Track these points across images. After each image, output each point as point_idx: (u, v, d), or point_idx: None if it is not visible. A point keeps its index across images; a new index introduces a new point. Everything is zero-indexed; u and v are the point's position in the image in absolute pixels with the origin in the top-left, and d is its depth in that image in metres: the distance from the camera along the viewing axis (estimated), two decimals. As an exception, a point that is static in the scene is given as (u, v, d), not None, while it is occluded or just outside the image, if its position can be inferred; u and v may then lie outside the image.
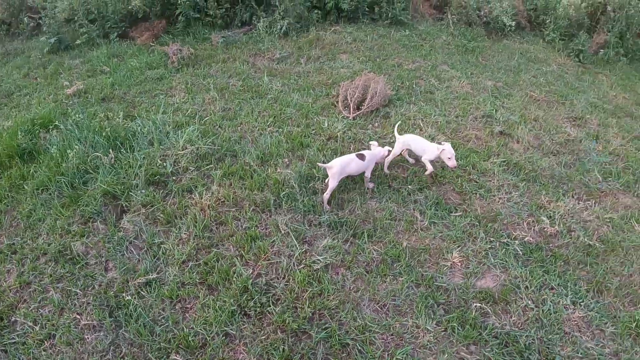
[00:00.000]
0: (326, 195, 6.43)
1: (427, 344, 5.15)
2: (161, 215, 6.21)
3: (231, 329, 5.04)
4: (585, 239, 6.67)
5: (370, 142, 7.08)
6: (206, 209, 6.29)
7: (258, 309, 5.23)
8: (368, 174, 6.76)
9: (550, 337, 5.45)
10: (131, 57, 10.90)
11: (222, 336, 4.98)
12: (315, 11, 13.10)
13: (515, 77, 11.62)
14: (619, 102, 11.65)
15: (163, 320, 5.14)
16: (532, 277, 6.02)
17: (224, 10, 12.53)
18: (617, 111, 11.06)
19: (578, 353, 5.35)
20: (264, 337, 5.02)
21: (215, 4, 12.37)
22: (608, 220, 7.19)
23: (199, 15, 12.47)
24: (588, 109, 10.68)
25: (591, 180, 8.01)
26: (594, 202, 7.53)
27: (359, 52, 11.76)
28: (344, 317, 5.27)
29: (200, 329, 5.03)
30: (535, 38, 14.68)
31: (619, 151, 9.10)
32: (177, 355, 4.83)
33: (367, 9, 13.64)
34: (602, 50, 14.17)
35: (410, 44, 12.56)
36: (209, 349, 4.88)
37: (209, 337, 4.97)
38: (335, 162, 6.39)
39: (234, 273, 5.57)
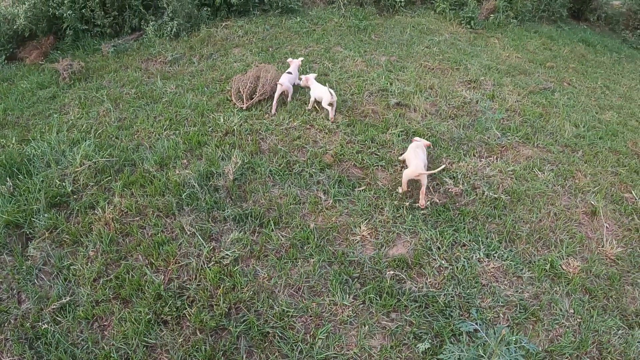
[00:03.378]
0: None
1: (347, 319, 5.16)
2: (66, 236, 5.96)
3: (150, 339, 4.89)
4: (491, 193, 6.83)
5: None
6: (110, 222, 6.08)
7: (174, 314, 5.08)
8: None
9: (468, 291, 5.55)
10: (21, 79, 10.41)
11: (143, 347, 4.81)
12: (205, 9, 12.86)
13: (408, 50, 11.77)
14: (512, 62, 12.00)
15: (82, 343, 4.91)
16: (442, 237, 6.11)
17: (111, 18, 12.07)
18: (510, 70, 11.39)
19: (499, 302, 5.49)
20: (183, 340, 4.89)
21: (102, 13, 11.87)
22: (511, 172, 7.38)
23: (87, 27, 11.97)
24: (482, 71, 10.95)
25: (490, 137, 8.20)
26: (495, 157, 7.71)
27: (251, 44, 11.65)
28: (261, 307, 5.20)
29: (121, 345, 4.84)
30: (427, 11, 14.96)
31: (515, 107, 9.38)
32: (101, 376, 4.67)
33: (256, 0, 13.57)
34: (492, 15, 14.55)
35: (303, 30, 12.54)
36: None
37: (130, 351, 4.78)
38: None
39: (146, 282, 5.39)
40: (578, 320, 5.55)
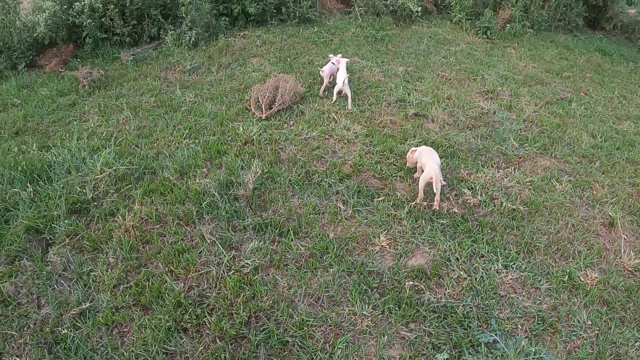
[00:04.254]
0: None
1: (366, 329, 5.17)
2: (86, 242, 6.02)
3: (170, 346, 4.92)
4: (509, 204, 6.84)
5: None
6: (130, 229, 6.14)
7: (194, 321, 5.12)
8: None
9: (486, 302, 5.56)
10: (41, 86, 10.55)
11: (163, 354, 4.85)
12: (223, 18, 13.00)
13: (425, 60, 11.81)
14: (528, 72, 12.00)
15: (102, 349, 4.96)
16: (461, 248, 6.12)
17: (130, 27, 12.25)
18: (527, 80, 11.40)
19: (517, 313, 5.49)
20: (203, 348, 4.92)
21: (122, 22, 12.06)
22: (529, 183, 7.39)
23: (106, 35, 12.15)
24: (499, 81, 10.97)
25: (508, 148, 8.21)
26: (513, 168, 7.73)
27: (269, 54, 11.73)
28: (280, 316, 5.23)
29: (140, 351, 4.88)
30: (443, 21, 15.03)
31: (532, 117, 9.38)
32: (120, 381, 4.72)
33: (274, 10, 13.65)
34: (508, 25, 14.60)
35: (320, 40, 12.64)
36: None
37: (149, 357, 4.82)
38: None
39: (166, 289, 5.44)
40: (596, 331, 5.53)
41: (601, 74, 13.10)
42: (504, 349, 4.63)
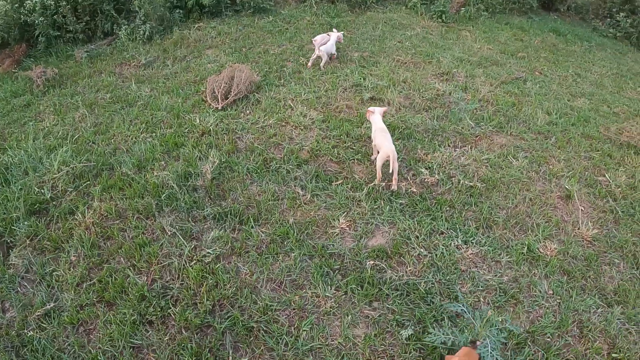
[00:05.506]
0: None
1: (330, 310, 5.23)
2: (47, 243, 5.96)
3: (136, 339, 4.91)
4: (466, 182, 6.94)
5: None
6: (91, 226, 6.09)
7: (159, 314, 5.12)
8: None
9: (448, 277, 5.65)
10: (-5, 89, 10.44)
11: (129, 349, 4.84)
12: (177, 11, 12.88)
13: (381, 45, 11.87)
14: (483, 54, 12.15)
15: (69, 348, 4.92)
16: (420, 226, 6.21)
17: (84, 23, 12.06)
18: (482, 62, 11.54)
19: (479, 287, 5.60)
20: (169, 339, 4.93)
21: (74, 18, 11.85)
22: (486, 160, 7.50)
23: (59, 33, 11.93)
24: (454, 63, 11.08)
25: (464, 127, 8.32)
26: (470, 147, 7.83)
27: (224, 45, 11.69)
28: (244, 303, 5.26)
29: (107, 347, 4.86)
30: (398, 6, 15.09)
31: (488, 97, 9.51)
32: (90, 380, 4.69)
33: (228, 1, 13.60)
34: (463, 9, 14.75)
35: (275, 30, 12.61)
36: None
37: (117, 353, 4.81)
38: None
39: (129, 284, 5.41)
40: (557, 300, 5.65)
41: (556, 53, 13.31)
42: (470, 319, 4.70)
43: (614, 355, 5.26)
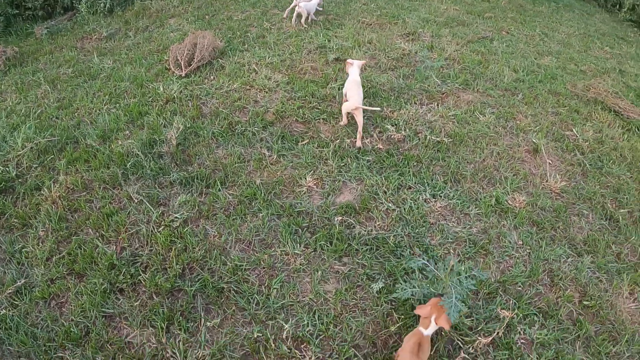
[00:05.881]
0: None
1: (300, 267, 5.25)
2: (15, 220, 5.85)
3: (108, 308, 4.87)
4: (433, 137, 6.95)
5: None
6: (58, 200, 5.99)
7: (129, 281, 5.07)
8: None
9: (417, 230, 5.69)
10: (-46, 73, 10.20)
11: (102, 318, 4.79)
12: (138, -18, 12.64)
13: (346, 8, 11.81)
14: (450, 14, 12.14)
15: (42, 322, 4.85)
16: (388, 182, 6.22)
17: (42, 0, 11.86)
18: (449, 22, 11.53)
19: (448, 239, 5.65)
20: (141, 305, 4.90)
21: (33, -5, 11.66)
22: (452, 117, 7.51)
23: (18, 11, 11.64)
24: (420, 24, 11.06)
25: (430, 85, 8.32)
26: (436, 104, 7.85)
27: (187, 13, 11.53)
28: (214, 265, 5.24)
29: (80, 318, 4.80)
30: (363, -32, 15.01)
31: (454, 56, 9.51)
32: (64, 352, 4.58)
33: (191, -30, 13.35)
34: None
35: (239, -4, 12.49)
36: (93, 335, 4.68)
37: (89, 323, 4.76)
38: None
39: (98, 254, 5.35)
40: (527, 250, 5.71)
41: (523, 14, 13.35)
42: (434, 271, 4.71)
43: (585, 302, 5.35)
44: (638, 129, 8.09)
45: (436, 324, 4.27)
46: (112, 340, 4.64)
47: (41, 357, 4.59)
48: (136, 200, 5.95)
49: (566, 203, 6.42)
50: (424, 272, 5.15)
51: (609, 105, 8.58)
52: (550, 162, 7.05)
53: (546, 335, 4.96)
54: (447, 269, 4.59)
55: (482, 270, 5.29)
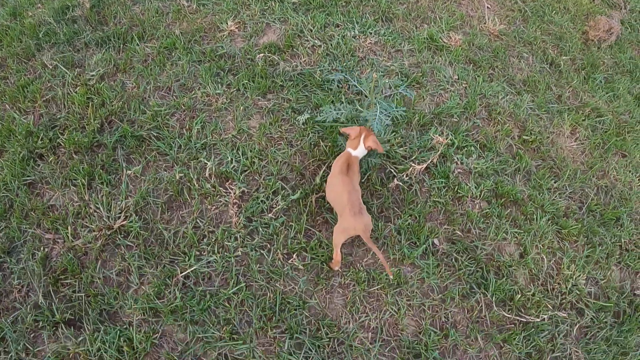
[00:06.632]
0: None
1: (222, 106, 5.03)
2: None
3: (29, 176, 4.61)
4: (361, -24, 6.61)
5: None
6: (-30, 85, 5.66)
7: (48, 145, 4.78)
8: None
9: (345, 64, 5.45)
10: None
11: (24, 187, 4.55)
12: None
13: None
14: None
15: None
16: (314, 21, 5.90)
17: None
18: None
19: (379, 72, 5.42)
20: (61, 167, 4.65)
21: None
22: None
23: None
24: None
25: None
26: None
27: None
28: (133, 115, 4.97)
29: (3, 193, 4.53)
30: None
31: None
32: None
33: None
34: None
35: None
36: (17, 205, 4.46)
37: (12, 195, 4.50)
38: None
39: (16, 126, 5.04)
40: (464, 85, 5.59)
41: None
42: (357, 86, 4.45)
43: (524, 137, 5.33)
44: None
45: (365, 144, 4.07)
46: (35, 206, 4.41)
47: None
48: (51, 67, 5.58)
49: (505, 45, 6.29)
50: (353, 102, 4.94)
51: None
52: (489, 6, 6.82)
53: (484, 164, 4.89)
54: (369, 83, 4.32)
55: (416, 103, 5.15)
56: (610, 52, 6.80)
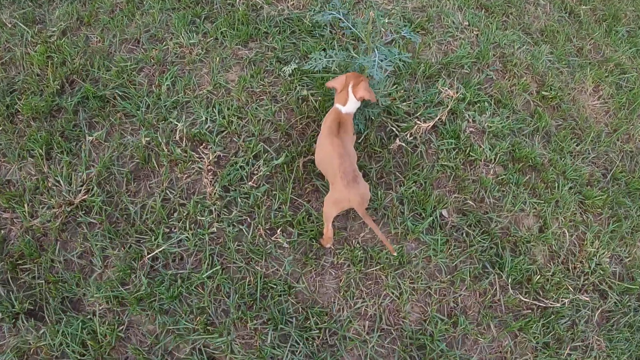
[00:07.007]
0: None
1: (196, 58, 4.45)
2: None
3: (-16, 148, 4.04)
4: None
5: None
6: None
7: (5, 113, 4.19)
8: None
9: (339, 7, 4.81)
10: None
11: (-22, 164, 3.98)
12: None
13: None
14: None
15: None
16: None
17: None
18: None
19: (378, 16, 4.78)
20: (18, 136, 4.07)
21: None
22: None
23: None
24: None
25: None
26: None
27: None
28: (97, 73, 4.34)
29: None
30: None
31: None
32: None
33: None
34: None
35: None
36: None
37: None
38: None
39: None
40: (475, 32, 5.06)
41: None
42: (350, 28, 3.76)
43: (544, 93, 4.81)
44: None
45: (355, 95, 3.40)
46: (-10, 183, 3.83)
47: None
48: (10, 25, 4.93)
49: (520, -11, 5.63)
50: (349, 47, 4.38)
51: None
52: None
53: (499, 123, 4.33)
54: (366, 21, 3.63)
55: (421, 52, 4.54)
56: (633, 4, 6.16)
